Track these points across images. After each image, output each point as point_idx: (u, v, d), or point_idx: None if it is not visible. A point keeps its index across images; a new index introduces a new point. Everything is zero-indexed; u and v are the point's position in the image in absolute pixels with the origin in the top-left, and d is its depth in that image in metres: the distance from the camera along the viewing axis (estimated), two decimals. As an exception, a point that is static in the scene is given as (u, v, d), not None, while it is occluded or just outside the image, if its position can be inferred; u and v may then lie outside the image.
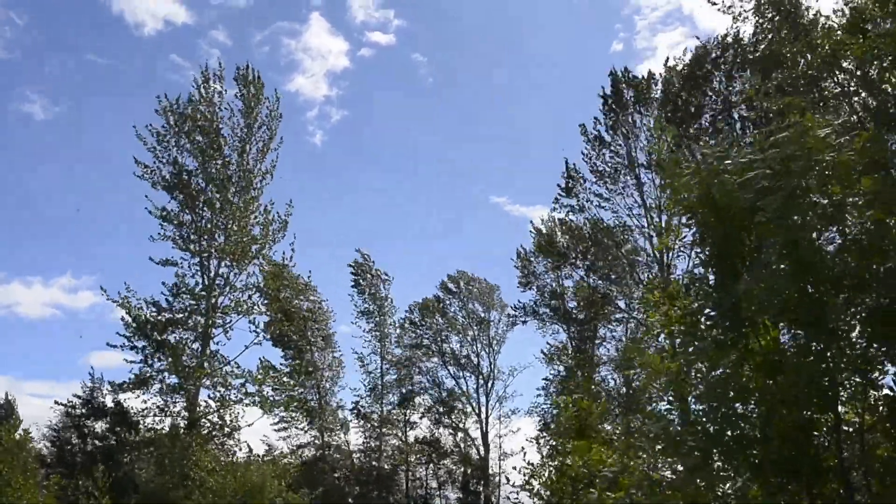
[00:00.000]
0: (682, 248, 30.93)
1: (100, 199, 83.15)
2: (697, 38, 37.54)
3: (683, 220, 14.42)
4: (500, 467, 56.20)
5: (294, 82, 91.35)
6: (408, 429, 57.03)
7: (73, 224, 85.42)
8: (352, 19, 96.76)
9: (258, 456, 33.35)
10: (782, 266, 10.63)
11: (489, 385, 58.01)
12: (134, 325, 33.96)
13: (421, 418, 57.74)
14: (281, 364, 51.82)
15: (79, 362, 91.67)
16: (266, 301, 37.75)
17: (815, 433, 10.66)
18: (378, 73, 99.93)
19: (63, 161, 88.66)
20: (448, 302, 59.23)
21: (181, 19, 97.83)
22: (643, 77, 39.51)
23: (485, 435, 57.35)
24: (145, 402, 34.96)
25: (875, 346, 10.50)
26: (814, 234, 10.74)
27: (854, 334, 10.72)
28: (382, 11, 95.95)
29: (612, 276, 44.03)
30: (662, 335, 14.43)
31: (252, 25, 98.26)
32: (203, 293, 34.70)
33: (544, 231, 47.21)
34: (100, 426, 41.50)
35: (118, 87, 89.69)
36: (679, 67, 37.39)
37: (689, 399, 12.34)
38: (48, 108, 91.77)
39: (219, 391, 34.52)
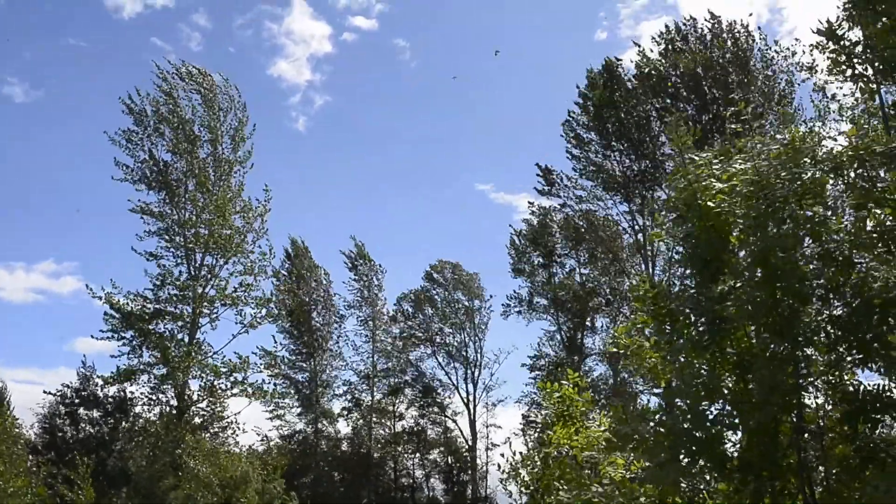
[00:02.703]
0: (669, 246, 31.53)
1: (81, 183, 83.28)
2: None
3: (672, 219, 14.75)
4: (487, 457, 56.88)
5: (277, 67, 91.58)
6: (396, 419, 57.61)
7: (55, 209, 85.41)
8: (334, 3, 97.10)
9: (245, 448, 33.69)
10: (757, 272, 11.00)
11: (476, 374, 58.62)
12: (117, 317, 34.24)
13: (407, 408, 58.39)
14: (283, 347, 53.01)
15: (64, 348, 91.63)
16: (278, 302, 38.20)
17: (779, 433, 11.06)
18: (361, 58, 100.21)
19: (43, 145, 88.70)
20: (434, 292, 59.76)
21: (161, 2, 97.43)
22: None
23: (472, 423, 57.92)
24: (132, 393, 35.42)
25: (839, 352, 10.91)
26: (790, 244, 11.07)
27: (820, 340, 11.09)
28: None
29: (600, 269, 44.59)
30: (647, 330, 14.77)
31: (234, 9, 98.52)
32: (189, 283, 34.97)
33: (532, 224, 47.76)
34: (90, 414, 41.73)
35: (98, 70, 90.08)
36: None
37: (659, 395, 12.77)
38: (28, 92, 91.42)
39: (207, 380, 34.92)
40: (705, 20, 38.51)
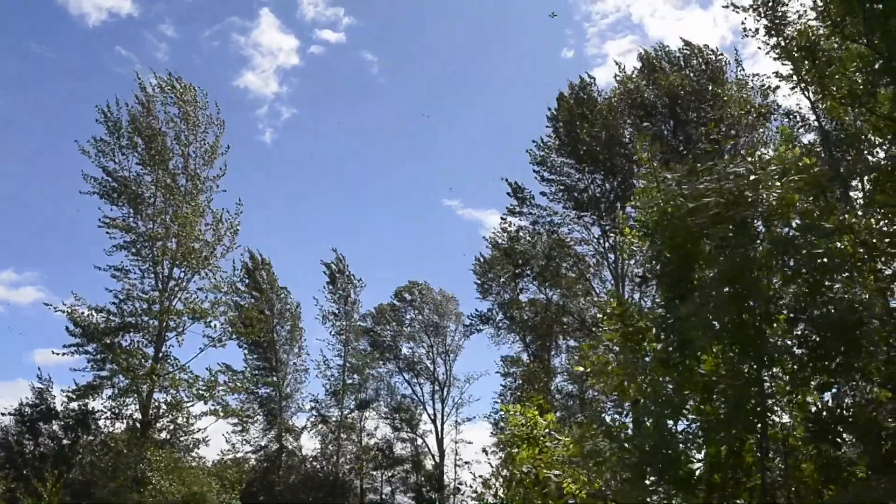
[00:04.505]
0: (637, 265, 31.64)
1: (43, 191, 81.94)
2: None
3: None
4: (455, 473, 56.68)
5: (243, 78, 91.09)
6: (364, 434, 57.21)
7: (16, 218, 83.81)
8: (302, 16, 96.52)
9: (206, 461, 33.28)
10: (725, 291, 11.06)
11: (445, 392, 58.45)
12: (80, 330, 33.70)
13: (376, 429, 58.08)
14: (244, 362, 52.67)
15: (23, 360, 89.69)
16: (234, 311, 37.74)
17: (743, 452, 11.11)
18: (328, 71, 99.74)
19: (5, 153, 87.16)
20: (403, 310, 59.50)
21: (126, 11, 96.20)
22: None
23: (440, 441, 57.72)
24: (92, 408, 34.92)
25: (805, 373, 10.99)
26: (758, 264, 11.11)
27: (785, 361, 11.17)
28: (332, 9, 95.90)
29: (566, 289, 44.51)
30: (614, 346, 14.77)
31: (201, 20, 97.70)
32: (156, 296, 34.50)
33: (499, 242, 47.66)
34: (49, 428, 40.92)
35: (62, 78, 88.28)
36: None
37: (625, 413, 12.77)
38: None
39: (171, 394, 34.42)
40: (681, 47, 39.06)
